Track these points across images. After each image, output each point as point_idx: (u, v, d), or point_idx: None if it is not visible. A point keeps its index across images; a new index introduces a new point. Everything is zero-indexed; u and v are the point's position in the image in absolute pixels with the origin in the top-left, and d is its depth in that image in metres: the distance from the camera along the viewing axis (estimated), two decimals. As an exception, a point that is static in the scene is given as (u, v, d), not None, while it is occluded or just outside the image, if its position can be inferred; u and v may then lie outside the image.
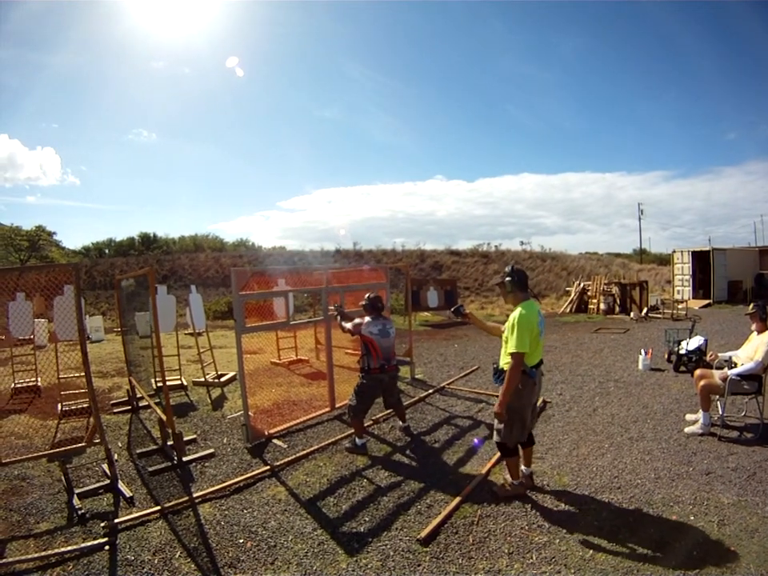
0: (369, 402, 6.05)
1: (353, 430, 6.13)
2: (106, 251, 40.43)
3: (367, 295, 6.20)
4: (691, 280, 25.57)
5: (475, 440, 5.84)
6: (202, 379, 9.18)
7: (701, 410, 6.18)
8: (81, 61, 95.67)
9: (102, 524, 4.21)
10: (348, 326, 6.13)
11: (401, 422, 6.48)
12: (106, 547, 3.94)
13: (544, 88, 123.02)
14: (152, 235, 42.61)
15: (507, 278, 4.42)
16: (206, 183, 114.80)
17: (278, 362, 10.76)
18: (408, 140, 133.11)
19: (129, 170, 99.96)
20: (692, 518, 4.19)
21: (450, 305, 20.10)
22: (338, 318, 6.45)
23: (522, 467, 4.77)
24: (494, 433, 4.53)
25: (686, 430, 6.23)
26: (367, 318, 6.01)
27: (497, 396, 4.68)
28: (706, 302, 24.15)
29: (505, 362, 4.34)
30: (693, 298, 24.49)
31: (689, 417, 6.64)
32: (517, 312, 4.27)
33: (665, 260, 39.44)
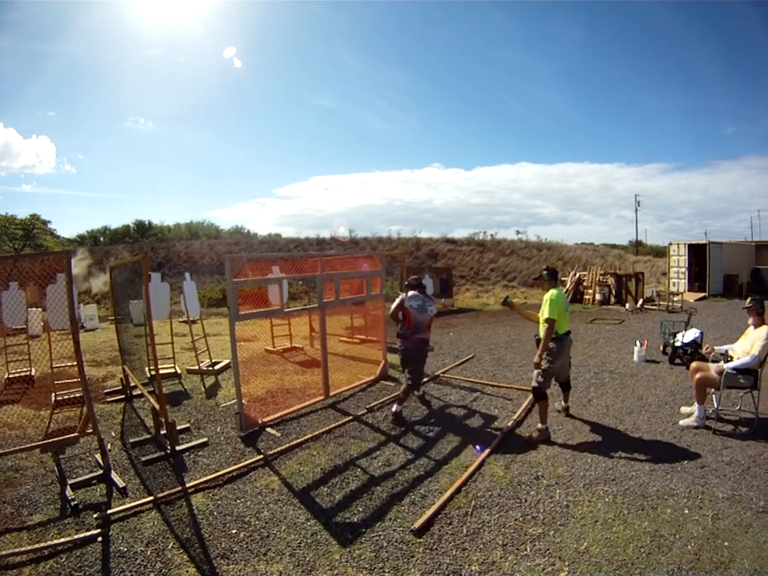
0: (421, 367, 6.85)
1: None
2: (101, 239, 40.37)
3: (412, 276, 7.06)
4: (687, 273, 25.68)
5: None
6: (196, 367, 9.16)
7: (696, 403, 6.19)
8: (78, 49, 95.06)
9: (95, 515, 4.20)
10: (393, 305, 6.77)
11: (416, 393, 7.18)
12: (99, 539, 3.93)
13: (543, 78, 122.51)
14: (147, 223, 42.77)
15: (544, 272, 6.39)
16: (201, 171, 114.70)
17: (272, 349, 10.76)
18: (405, 128, 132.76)
19: (125, 158, 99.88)
20: (686, 511, 4.19)
21: (445, 293, 20.14)
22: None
23: (562, 402, 6.75)
24: (533, 380, 6.07)
25: (681, 422, 6.23)
26: (411, 293, 6.67)
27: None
28: (702, 295, 24.20)
29: (541, 330, 6.10)
30: (688, 291, 24.58)
31: (684, 409, 6.64)
32: (549, 294, 6.06)
33: (661, 252, 39.61)
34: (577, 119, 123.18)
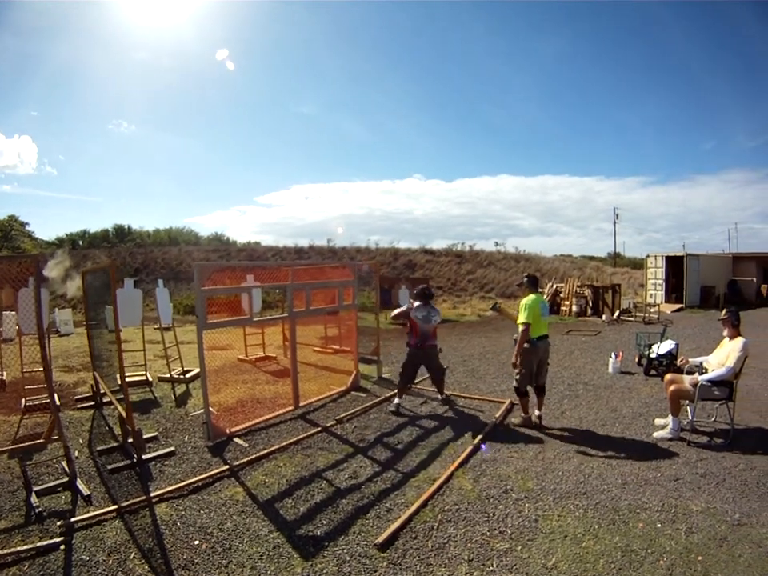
0: (411, 371, 7.50)
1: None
2: (80, 242, 40.08)
3: (420, 286, 7.81)
4: (664, 284, 25.99)
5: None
6: (168, 375, 9.02)
7: (670, 415, 6.16)
8: (63, 50, 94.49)
9: (59, 523, 4.12)
10: (398, 310, 7.75)
11: (439, 396, 7.81)
12: (62, 547, 3.86)
13: (524, 91, 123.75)
14: (127, 227, 42.64)
15: (525, 279, 6.85)
16: (183, 176, 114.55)
17: (245, 358, 10.65)
18: (387, 138, 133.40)
19: (107, 161, 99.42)
20: (659, 525, 4.13)
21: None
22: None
23: (536, 411, 6.78)
24: (513, 381, 6.72)
25: (655, 434, 6.20)
26: (416, 303, 7.31)
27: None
28: (679, 306, 24.45)
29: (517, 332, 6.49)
30: (665, 302, 24.81)
31: (658, 421, 6.62)
32: (526, 299, 6.53)
33: (638, 264, 40.14)
34: (557, 132, 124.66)
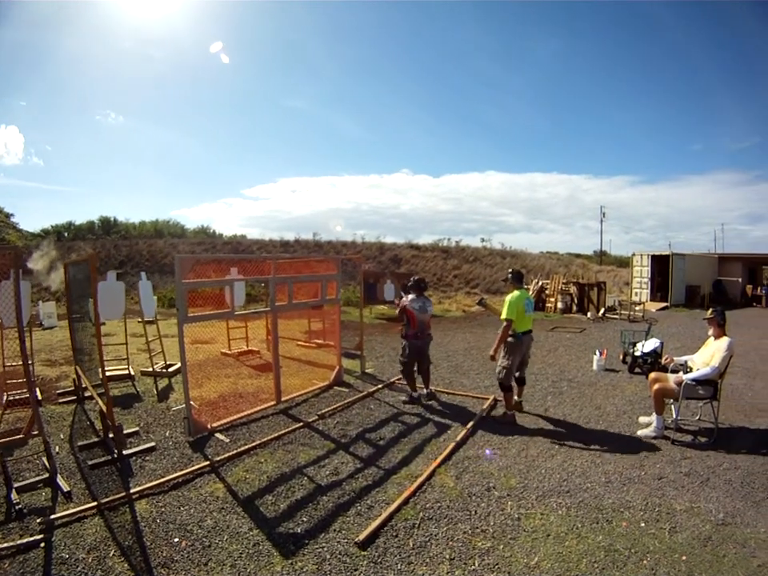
0: (411, 361, 7.55)
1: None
2: (66, 234, 39.75)
3: (414, 277, 7.88)
4: (650, 283, 26.26)
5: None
6: (150, 369, 8.94)
7: (654, 413, 6.16)
8: (52, 39, 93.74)
9: (39, 520, 4.07)
10: (397, 301, 7.96)
11: (425, 390, 7.79)
12: (42, 544, 3.81)
13: (515, 89, 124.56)
14: (112, 219, 42.30)
15: (509, 275, 6.94)
16: (170, 168, 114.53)
17: (228, 352, 10.58)
18: (376, 133, 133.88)
19: (94, 152, 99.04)
20: (643, 524, 4.13)
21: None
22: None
23: (515, 397, 7.02)
24: (497, 374, 6.78)
25: (639, 432, 6.20)
26: (411, 296, 7.51)
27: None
28: (664, 304, 24.67)
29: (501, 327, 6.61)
30: (650, 301, 25.04)
31: (642, 419, 6.62)
32: (510, 295, 6.64)
33: (624, 262, 40.43)
34: (547, 130, 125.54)
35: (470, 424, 6.46)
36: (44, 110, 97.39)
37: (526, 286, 6.95)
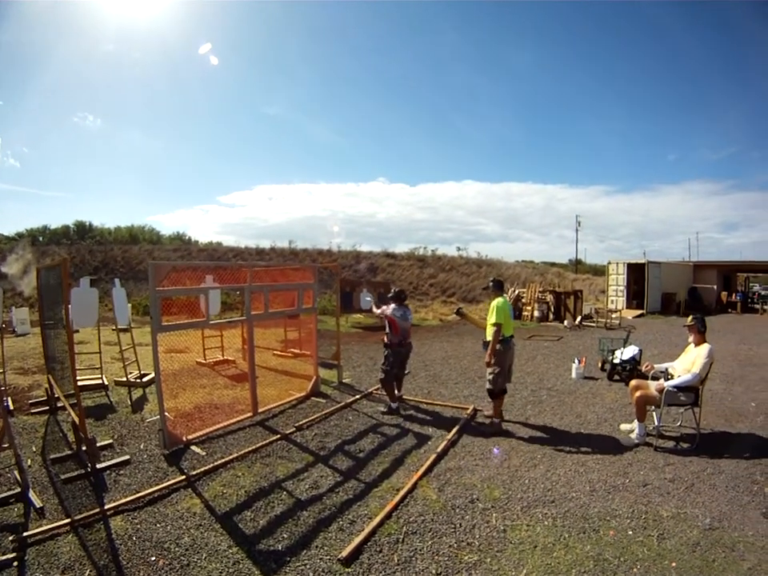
0: (393, 369, 7.54)
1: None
2: (40, 238, 39.25)
3: (394, 288, 8.35)
4: (626, 291, 26.56)
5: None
6: (124, 379, 8.76)
7: (636, 420, 6.17)
8: (30, 38, 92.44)
9: (11, 538, 3.91)
10: (378, 310, 8.01)
11: (397, 391, 7.82)
12: (15, 563, 3.67)
13: (492, 99, 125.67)
14: (88, 224, 41.84)
15: (491, 283, 7.12)
16: (146, 173, 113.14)
17: (203, 362, 10.41)
18: (352, 141, 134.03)
19: (71, 155, 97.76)
20: (630, 532, 4.10)
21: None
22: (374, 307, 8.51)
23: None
24: (487, 382, 6.76)
25: (621, 440, 6.20)
26: (393, 305, 7.63)
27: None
28: (640, 312, 25.00)
29: (488, 333, 6.64)
30: (626, 308, 25.27)
31: (624, 427, 6.62)
32: (495, 301, 6.74)
33: (600, 271, 40.98)
34: (523, 140, 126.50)
35: (451, 434, 6.40)
36: (21, 111, 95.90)
37: (504, 295, 6.91)
